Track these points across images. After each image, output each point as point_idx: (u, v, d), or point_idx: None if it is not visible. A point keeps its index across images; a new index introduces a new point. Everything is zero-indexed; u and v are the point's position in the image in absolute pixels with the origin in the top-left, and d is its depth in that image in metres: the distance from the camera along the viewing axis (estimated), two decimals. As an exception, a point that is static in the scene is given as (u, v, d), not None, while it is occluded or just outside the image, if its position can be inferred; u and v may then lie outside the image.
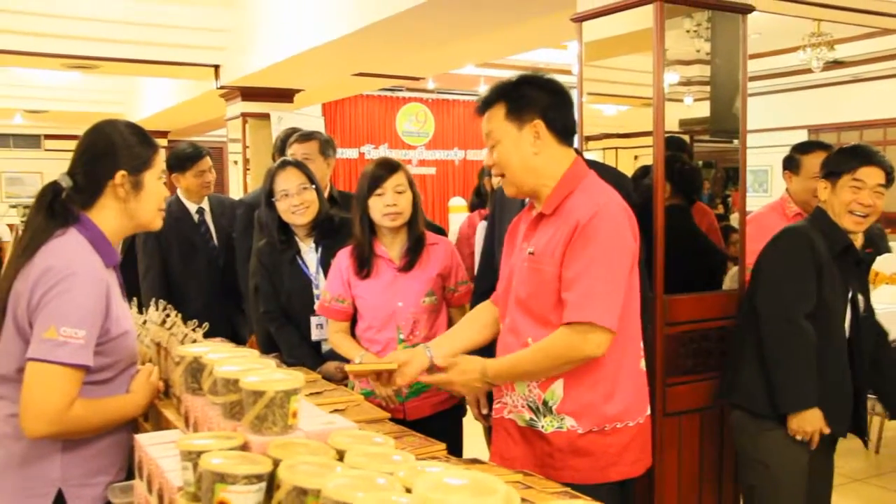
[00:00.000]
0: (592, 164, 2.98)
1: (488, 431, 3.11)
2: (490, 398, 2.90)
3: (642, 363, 2.39)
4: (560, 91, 2.33)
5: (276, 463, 1.38)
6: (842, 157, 2.98)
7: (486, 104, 2.35)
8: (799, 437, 2.84)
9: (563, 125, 2.31)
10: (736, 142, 3.52)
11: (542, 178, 2.31)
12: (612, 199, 2.28)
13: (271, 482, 1.39)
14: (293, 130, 4.60)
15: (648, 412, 2.40)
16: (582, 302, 2.15)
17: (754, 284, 3.02)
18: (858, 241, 2.97)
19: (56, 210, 2.03)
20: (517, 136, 2.28)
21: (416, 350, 2.50)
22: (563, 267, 2.21)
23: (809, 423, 2.82)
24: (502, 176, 2.36)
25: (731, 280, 3.43)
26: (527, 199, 2.82)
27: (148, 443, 1.80)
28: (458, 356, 2.39)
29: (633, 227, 2.28)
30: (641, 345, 2.39)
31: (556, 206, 2.28)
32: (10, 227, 9.51)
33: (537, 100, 2.28)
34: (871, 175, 2.88)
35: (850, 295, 2.92)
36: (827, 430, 2.86)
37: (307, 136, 4.14)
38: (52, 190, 2.06)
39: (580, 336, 2.16)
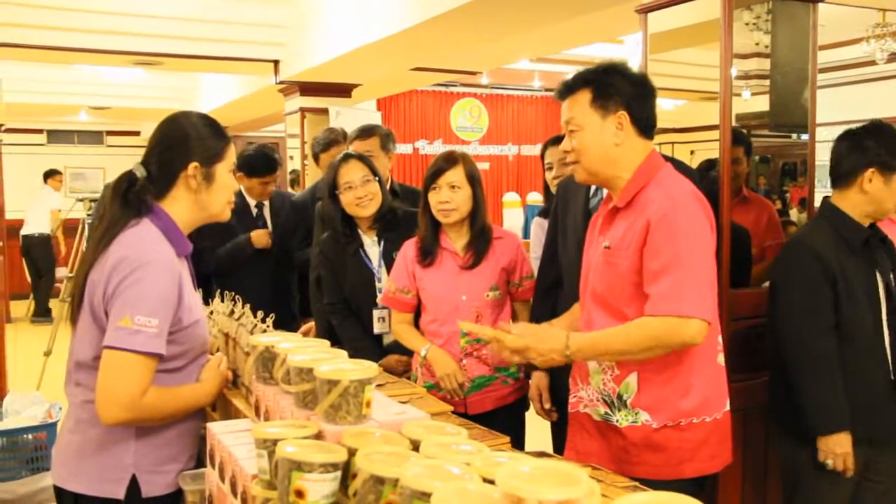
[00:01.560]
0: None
1: (554, 426, 3.10)
2: (552, 393, 2.90)
3: (720, 357, 2.33)
4: (646, 83, 2.30)
5: (351, 452, 1.40)
6: (892, 143, 2.75)
7: (568, 89, 2.31)
8: (829, 461, 2.67)
9: (645, 118, 2.28)
10: (795, 136, 3.46)
11: (618, 170, 2.28)
12: (688, 191, 2.24)
13: (346, 471, 1.41)
14: (331, 132, 4.62)
15: (727, 407, 2.35)
16: (670, 295, 2.11)
17: (771, 304, 2.88)
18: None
19: (130, 199, 2.07)
20: (600, 125, 2.25)
21: (542, 327, 2.46)
22: (645, 262, 2.17)
23: (839, 445, 2.66)
24: (575, 162, 2.32)
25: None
26: (592, 191, 2.81)
27: (220, 431, 1.83)
28: (539, 326, 2.36)
29: (709, 218, 2.25)
30: (720, 339, 2.33)
31: (631, 199, 2.25)
32: (74, 221, 9.75)
33: (623, 90, 2.25)
34: None
35: (882, 285, 2.76)
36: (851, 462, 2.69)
37: (368, 133, 4.14)
38: (127, 179, 2.10)
39: (680, 320, 2.10)
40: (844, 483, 2.74)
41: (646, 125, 2.29)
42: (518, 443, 3.03)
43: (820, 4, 3.37)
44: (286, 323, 4.48)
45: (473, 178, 2.99)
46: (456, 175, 2.96)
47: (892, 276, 2.79)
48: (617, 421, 2.28)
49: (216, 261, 4.40)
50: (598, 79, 2.27)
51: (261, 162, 4.47)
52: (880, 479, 2.81)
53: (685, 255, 2.13)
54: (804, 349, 2.71)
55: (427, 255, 3.02)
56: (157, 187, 2.11)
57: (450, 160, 2.99)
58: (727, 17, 3.09)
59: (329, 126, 6.21)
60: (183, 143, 2.11)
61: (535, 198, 14.11)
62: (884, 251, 2.80)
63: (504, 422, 2.79)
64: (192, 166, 2.10)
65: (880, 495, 2.82)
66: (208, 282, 4.36)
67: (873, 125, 2.83)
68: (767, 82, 3.35)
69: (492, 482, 1.11)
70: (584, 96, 2.27)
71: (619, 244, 2.25)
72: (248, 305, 2.39)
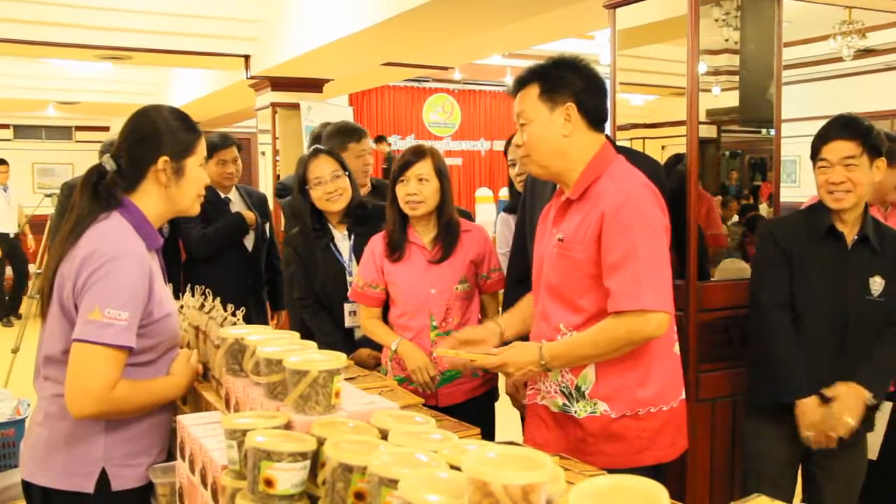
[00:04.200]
0: (626, 151, 2.99)
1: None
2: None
3: (676, 347, 2.38)
4: (594, 76, 2.33)
5: (320, 442, 1.41)
6: (814, 138, 2.85)
7: (520, 83, 2.34)
8: (809, 434, 2.70)
9: (595, 110, 2.31)
10: (765, 131, 3.49)
11: (569, 162, 2.30)
12: (640, 183, 2.28)
13: (316, 460, 1.42)
14: (328, 125, 4.63)
15: (683, 396, 2.40)
16: (630, 290, 2.15)
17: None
18: (850, 222, 2.78)
19: (100, 193, 2.07)
20: (548, 118, 2.28)
21: (488, 326, 2.56)
22: (602, 255, 2.20)
23: (802, 414, 2.70)
24: (527, 156, 2.35)
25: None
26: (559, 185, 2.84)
27: (190, 423, 1.84)
28: (514, 342, 2.40)
29: (661, 205, 2.29)
30: (675, 328, 2.38)
31: (584, 192, 2.29)
32: (43, 217, 9.59)
33: (572, 83, 2.28)
34: (834, 151, 2.74)
35: (847, 278, 2.76)
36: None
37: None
38: (97, 172, 2.09)
39: (641, 318, 2.15)
40: (788, 466, 2.82)
41: (596, 118, 2.32)
42: (489, 434, 3.05)
43: (787, 1, 3.41)
44: (258, 316, 4.49)
45: (441, 172, 3.00)
46: (424, 168, 2.96)
47: (874, 277, 2.77)
48: (575, 412, 2.31)
49: (206, 240, 4.38)
50: (547, 72, 2.31)
51: (215, 140, 4.45)
52: (834, 476, 2.83)
53: (641, 247, 2.17)
54: (761, 320, 2.82)
55: (395, 249, 3.02)
56: (127, 181, 2.10)
57: (418, 153, 3.00)
58: (694, 14, 3.13)
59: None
60: (153, 136, 2.10)
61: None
62: (869, 251, 2.77)
63: (475, 413, 2.81)
64: (162, 160, 2.09)
65: (837, 490, 2.84)
66: (179, 275, 4.36)
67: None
68: (737, 78, 3.39)
69: (459, 469, 1.13)
70: (534, 90, 2.30)
71: (574, 236, 2.28)
72: (218, 299, 2.39)
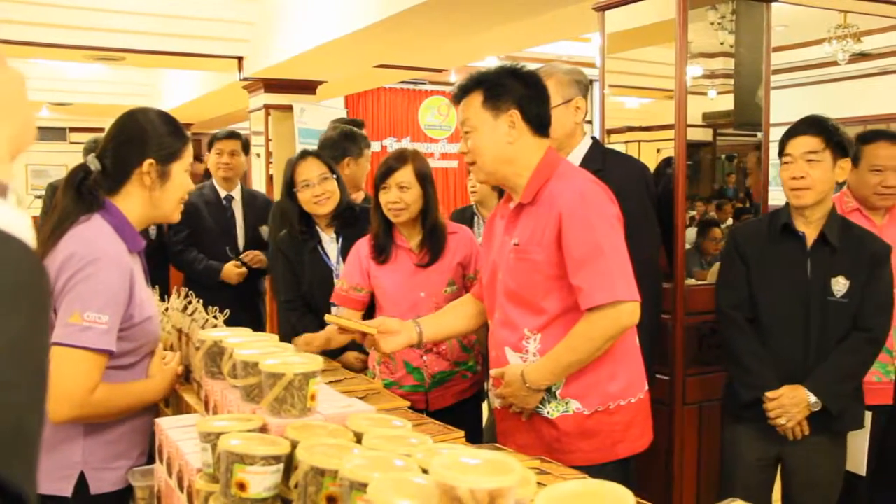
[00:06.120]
0: (612, 154, 2.99)
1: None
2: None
3: (637, 339, 2.41)
4: (537, 84, 2.36)
5: (295, 445, 1.40)
6: (781, 136, 2.84)
7: (463, 91, 2.36)
8: (782, 420, 2.68)
9: (538, 117, 2.33)
10: (759, 135, 3.49)
11: (515, 168, 2.32)
12: (590, 180, 2.32)
13: (289, 463, 1.41)
14: (344, 121, 4.63)
15: (647, 387, 2.43)
16: (602, 283, 2.17)
17: None
18: (813, 221, 2.76)
19: (83, 193, 2.05)
20: (493, 125, 2.30)
21: (407, 323, 2.52)
22: (566, 254, 2.22)
23: (771, 407, 2.70)
24: (473, 163, 2.37)
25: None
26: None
27: (168, 426, 1.83)
28: (506, 367, 2.37)
29: (610, 197, 2.32)
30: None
31: (535, 194, 2.30)
32: (35, 219, 9.57)
33: (514, 90, 2.30)
34: (797, 145, 2.73)
35: (808, 278, 2.74)
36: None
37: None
38: (81, 171, 2.08)
39: (614, 310, 2.17)
40: (757, 468, 2.81)
41: (539, 123, 2.34)
42: (475, 435, 3.04)
43: (775, 5, 3.40)
44: (254, 320, 4.48)
45: (423, 177, 2.98)
46: (405, 175, 2.95)
47: (837, 278, 2.73)
48: (548, 413, 2.32)
49: (182, 263, 4.41)
50: (490, 80, 2.32)
51: (222, 131, 4.63)
52: (808, 482, 2.80)
53: (605, 241, 2.20)
54: (723, 319, 2.85)
55: (381, 252, 3.01)
56: (111, 182, 2.09)
57: (399, 159, 2.99)
58: (682, 17, 3.12)
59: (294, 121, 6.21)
60: (140, 139, 2.09)
61: (503, 196, 14.12)
62: (829, 251, 2.74)
63: (464, 416, 2.82)
64: (148, 163, 2.08)
65: (803, 488, 2.82)
66: (167, 277, 4.37)
67: None
68: (732, 81, 3.39)
69: (432, 473, 1.12)
70: (477, 98, 2.32)
71: (531, 239, 2.29)
72: (200, 301, 2.38)
